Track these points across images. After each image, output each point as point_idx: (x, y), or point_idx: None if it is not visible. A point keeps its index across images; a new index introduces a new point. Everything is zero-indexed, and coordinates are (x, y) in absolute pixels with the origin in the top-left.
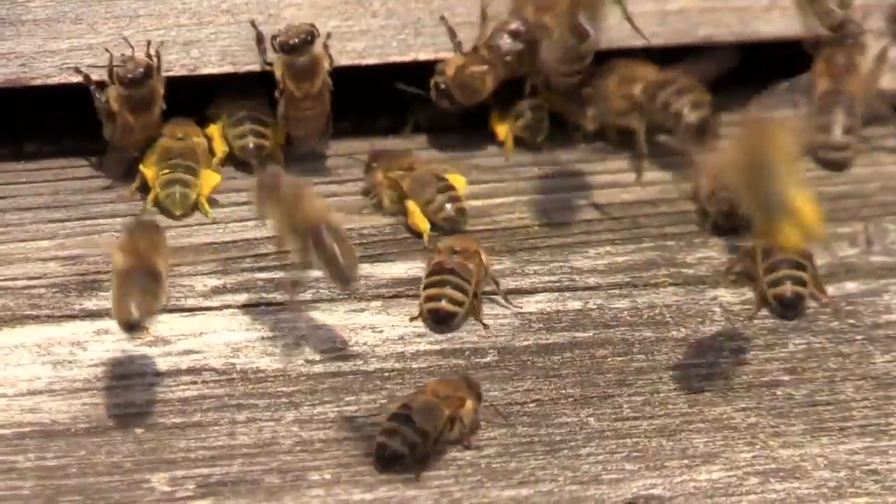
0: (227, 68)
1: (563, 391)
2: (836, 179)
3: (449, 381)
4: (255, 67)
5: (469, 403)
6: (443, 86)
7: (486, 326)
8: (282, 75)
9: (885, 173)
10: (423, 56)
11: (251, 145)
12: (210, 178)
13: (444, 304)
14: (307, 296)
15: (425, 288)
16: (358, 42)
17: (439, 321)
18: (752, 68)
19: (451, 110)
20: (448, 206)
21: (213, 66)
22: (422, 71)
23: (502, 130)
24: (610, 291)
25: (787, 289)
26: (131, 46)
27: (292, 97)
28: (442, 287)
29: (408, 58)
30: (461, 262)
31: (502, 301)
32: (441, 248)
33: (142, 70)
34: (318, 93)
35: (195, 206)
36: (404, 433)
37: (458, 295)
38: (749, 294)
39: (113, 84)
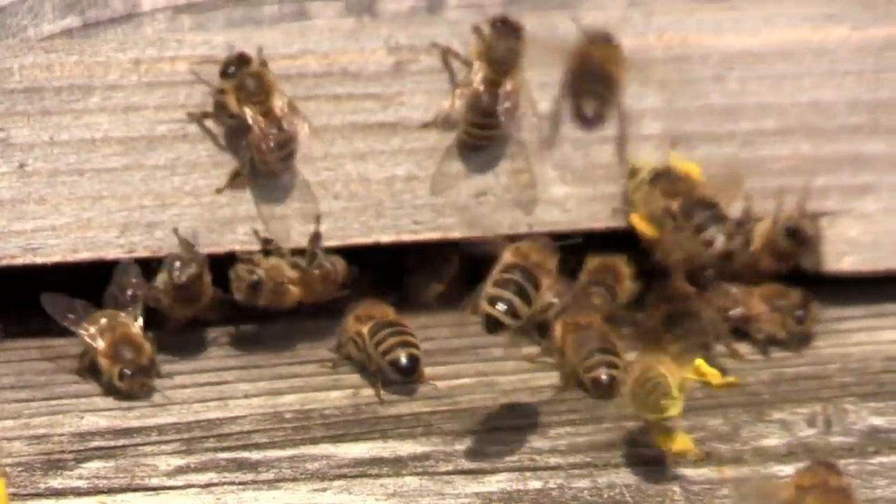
0: None
1: None
2: (796, 361)
3: None
4: (219, 249)
5: None
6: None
7: None
8: None
9: (844, 354)
10: (385, 239)
11: None
12: None
13: None
14: (270, 475)
15: None
16: (320, 224)
17: None
18: None
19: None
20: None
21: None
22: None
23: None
24: (570, 471)
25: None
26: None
27: None
28: None
29: (369, 240)
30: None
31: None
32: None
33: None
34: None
35: None
36: None
37: None
38: (709, 472)
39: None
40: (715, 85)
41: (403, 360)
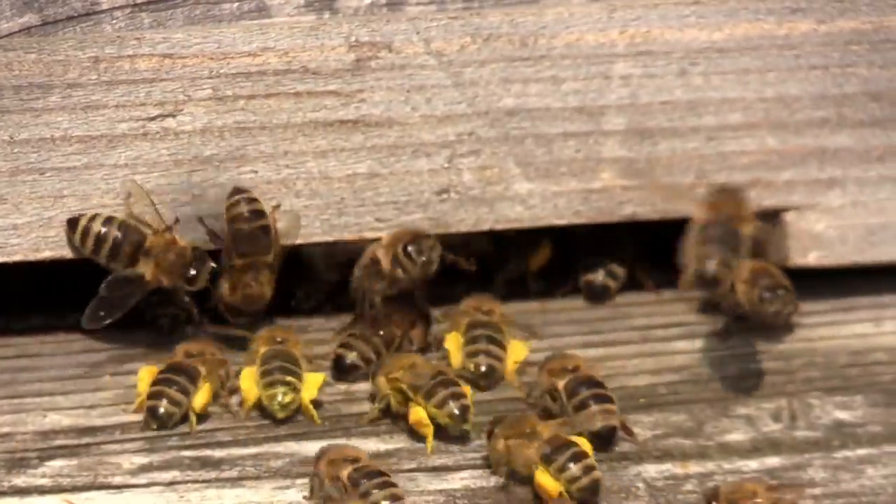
0: None
1: None
2: (763, 356)
3: None
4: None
5: None
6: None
7: None
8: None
9: (810, 349)
10: (347, 236)
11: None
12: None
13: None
14: (233, 473)
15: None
16: (281, 222)
17: None
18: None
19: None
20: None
21: None
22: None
23: None
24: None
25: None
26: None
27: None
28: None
29: (331, 238)
30: None
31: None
32: None
33: None
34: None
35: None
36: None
37: None
38: (672, 468)
39: None
40: (678, 80)
41: None
